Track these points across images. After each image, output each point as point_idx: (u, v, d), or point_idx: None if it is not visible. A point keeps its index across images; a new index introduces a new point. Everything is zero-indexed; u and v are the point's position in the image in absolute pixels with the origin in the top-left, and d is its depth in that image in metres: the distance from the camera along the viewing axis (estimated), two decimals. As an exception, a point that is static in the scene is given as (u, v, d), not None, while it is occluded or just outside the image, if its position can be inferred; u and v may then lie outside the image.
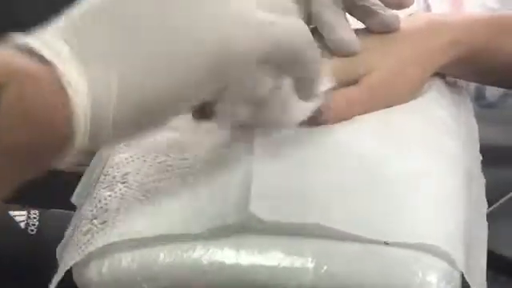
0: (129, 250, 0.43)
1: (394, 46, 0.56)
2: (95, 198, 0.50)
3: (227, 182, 0.47)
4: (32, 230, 0.71)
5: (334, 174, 0.47)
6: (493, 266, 0.50)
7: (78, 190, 0.56)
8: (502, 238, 0.60)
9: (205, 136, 0.52)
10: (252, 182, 0.45)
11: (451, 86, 0.64)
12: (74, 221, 0.51)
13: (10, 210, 0.73)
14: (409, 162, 0.49)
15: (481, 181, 0.55)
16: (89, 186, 0.55)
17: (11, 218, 0.71)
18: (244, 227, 0.42)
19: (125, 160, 0.51)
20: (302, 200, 0.45)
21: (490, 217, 0.53)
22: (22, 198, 0.65)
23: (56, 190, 0.57)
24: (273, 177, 0.46)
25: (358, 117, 0.53)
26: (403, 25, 0.58)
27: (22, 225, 0.71)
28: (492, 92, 0.93)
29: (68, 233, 0.50)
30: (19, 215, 0.72)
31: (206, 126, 0.52)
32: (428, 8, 0.80)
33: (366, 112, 0.53)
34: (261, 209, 0.42)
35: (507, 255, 0.63)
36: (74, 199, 0.55)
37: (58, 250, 0.50)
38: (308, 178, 0.47)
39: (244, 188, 0.45)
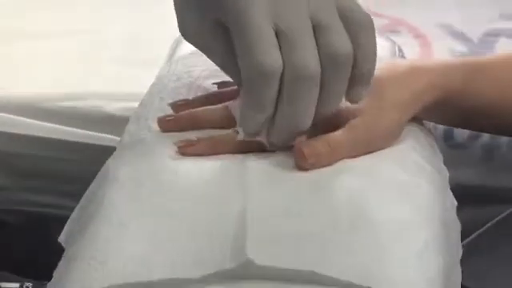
0: None
1: (376, 93, 0.58)
2: (95, 237, 0.50)
3: (224, 225, 0.47)
4: None
5: (324, 220, 0.49)
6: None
7: (66, 228, 0.55)
8: (469, 273, 0.61)
9: (201, 178, 0.53)
10: (247, 227, 0.46)
11: (424, 129, 0.66)
12: (65, 259, 0.51)
13: (3, 281, 0.73)
14: (392, 211, 0.51)
15: (457, 226, 0.57)
16: (78, 225, 0.55)
17: None
18: (241, 272, 0.43)
19: (123, 200, 0.52)
20: (297, 245, 0.46)
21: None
22: (18, 270, 0.67)
23: (52, 263, 0.56)
24: (268, 221, 0.47)
25: (342, 163, 0.54)
26: (385, 71, 0.59)
27: None
28: (460, 133, 0.97)
29: (59, 270, 0.50)
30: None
31: (200, 167, 0.54)
32: (403, 56, 0.83)
33: (349, 155, 0.55)
34: (257, 254, 0.43)
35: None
36: (61, 238, 0.54)
37: (50, 286, 0.50)
38: (301, 223, 0.48)
39: (240, 232, 0.46)
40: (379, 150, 0.57)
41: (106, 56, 1.15)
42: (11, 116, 1.01)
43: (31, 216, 1.06)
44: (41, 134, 1.00)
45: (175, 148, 0.56)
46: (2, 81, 1.08)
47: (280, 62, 0.46)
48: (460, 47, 1.16)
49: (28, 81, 1.07)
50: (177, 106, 0.61)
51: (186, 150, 0.55)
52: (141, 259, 0.46)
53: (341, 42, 0.46)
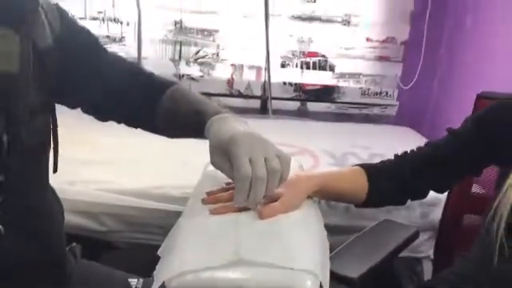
0: (184, 274, 0.56)
1: (291, 185, 0.72)
2: (170, 252, 0.62)
3: (228, 242, 0.60)
4: None
5: (272, 239, 0.63)
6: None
7: (161, 248, 0.65)
8: (338, 264, 0.78)
9: (218, 222, 0.67)
10: (241, 241, 0.58)
11: (313, 201, 0.78)
12: (159, 263, 0.62)
13: (129, 277, 0.85)
14: (299, 236, 0.64)
15: (327, 243, 0.67)
16: (165, 246, 0.65)
17: (128, 283, 0.84)
18: (238, 263, 0.55)
19: (182, 236, 0.65)
20: (261, 250, 0.58)
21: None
22: (137, 272, 0.82)
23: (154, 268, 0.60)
24: (248, 239, 0.60)
25: (278, 216, 0.68)
26: (295, 176, 0.75)
27: (133, 286, 0.82)
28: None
29: (157, 268, 0.60)
30: (133, 281, 0.84)
31: (219, 218, 0.67)
32: (303, 169, 0.91)
33: (281, 213, 0.67)
34: (245, 254, 0.56)
35: (341, 273, 0.82)
36: (159, 252, 0.64)
37: (155, 273, 0.58)
38: (262, 241, 0.61)
39: (236, 246, 0.58)
40: (293, 210, 0.70)
41: (174, 167, 1.29)
42: (123, 197, 1.17)
43: (135, 244, 1.20)
44: (142, 205, 1.18)
45: (208, 211, 0.67)
46: (118, 179, 1.21)
47: (250, 172, 0.60)
48: (331, 161, 1.49)
49: (132, 179, 1.19)
50: (209, 193, 0.73)
51: (213, 212, 0.67)
52: (188, 260, 0.57)
53: (276, 165, 0.63)
